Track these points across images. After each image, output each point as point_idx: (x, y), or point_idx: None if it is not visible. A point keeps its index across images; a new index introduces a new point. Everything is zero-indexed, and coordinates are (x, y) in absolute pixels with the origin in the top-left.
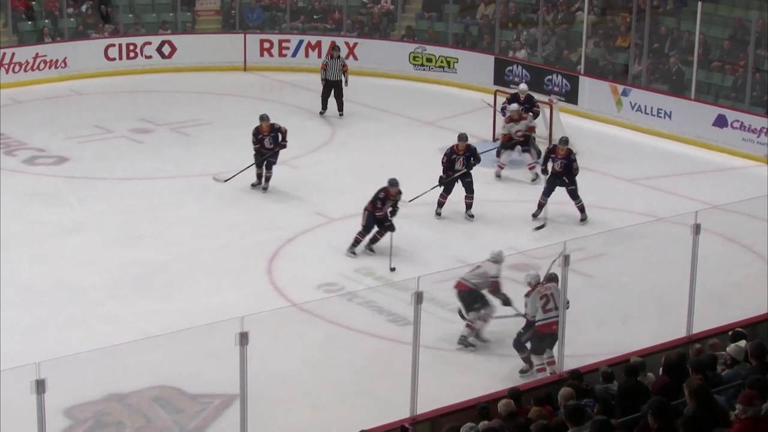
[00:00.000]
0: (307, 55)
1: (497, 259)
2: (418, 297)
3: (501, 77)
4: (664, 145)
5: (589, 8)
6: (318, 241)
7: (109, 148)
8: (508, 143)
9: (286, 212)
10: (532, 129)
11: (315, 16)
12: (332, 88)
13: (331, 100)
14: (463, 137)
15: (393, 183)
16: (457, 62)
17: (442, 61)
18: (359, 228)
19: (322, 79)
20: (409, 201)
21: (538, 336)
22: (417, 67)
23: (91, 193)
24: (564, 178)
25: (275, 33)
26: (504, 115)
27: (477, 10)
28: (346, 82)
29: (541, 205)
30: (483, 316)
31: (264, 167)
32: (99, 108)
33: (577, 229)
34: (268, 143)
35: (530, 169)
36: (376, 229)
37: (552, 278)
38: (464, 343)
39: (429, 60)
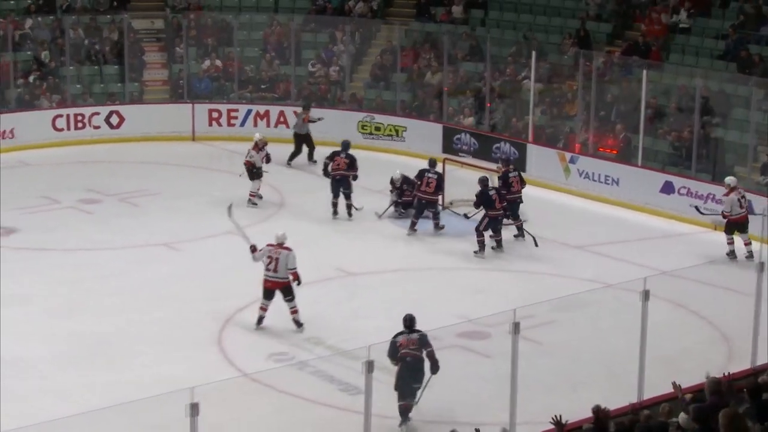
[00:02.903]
0: (255, 125)
1: None
2: (369, 366)
3: (449, 145)
4: (612, 211)
5: (536, 76)
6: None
7: (57, 218)
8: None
9: (237, 280)
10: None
11: (262, 86)
12: (304, 141)
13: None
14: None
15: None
16: (405, 131)
17: (390, 130)
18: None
19: (294, 130)
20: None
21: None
22: (366, 135)
23: (38, 264)
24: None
25: (223, 103)
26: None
27: (424, 79)
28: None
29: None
30: None
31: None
32: (47, 178)
33: (526, 295)
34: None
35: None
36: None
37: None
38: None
39: (377, 128)
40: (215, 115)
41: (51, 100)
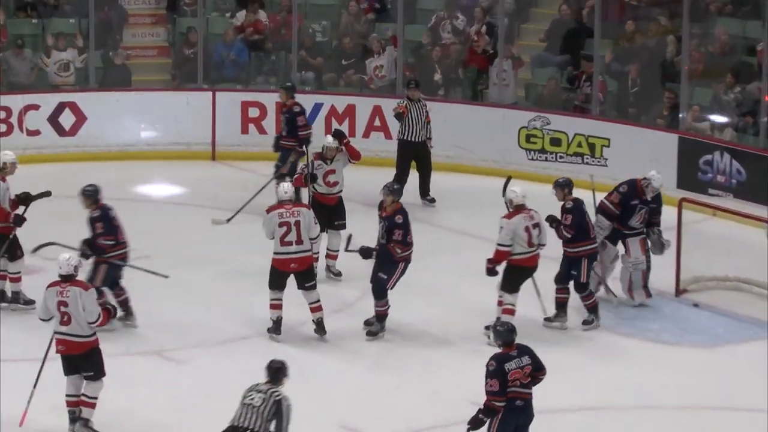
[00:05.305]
0: (328, 129)
1: None
2: None
3: (691, 174)
4: None
5: None
6: None
7: None
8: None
9: (294, 426)
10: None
11: (344, 61)
12: (414, 154)
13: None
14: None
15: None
16: (607, 146)
17: (580, 144)
18: None
19: (400, 136)
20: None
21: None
22: (533, 153)
23: None
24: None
25: (269, 90)
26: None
27: (640, 47)
28: (430, 141)
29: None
30: None
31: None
32: None
33: None
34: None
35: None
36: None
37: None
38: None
39: (555, 142)
40: (254, 112)
41: None
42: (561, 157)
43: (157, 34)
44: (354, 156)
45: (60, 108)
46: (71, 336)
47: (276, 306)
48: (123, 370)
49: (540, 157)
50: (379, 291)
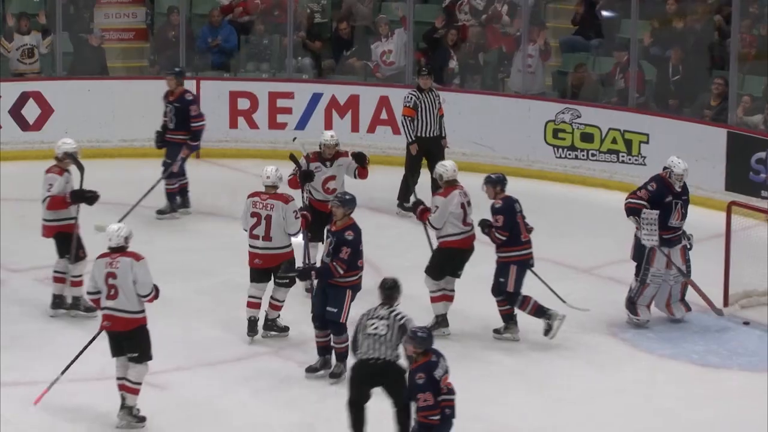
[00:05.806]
0: (329, 125)
1: None
2: None
3: (742, 175)
4: None
5: None
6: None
7: None
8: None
9: None
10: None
11: (346, 52)
12: (425, 150)
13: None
14: None
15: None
16: (646, 142)
17: (615, 141)
18: None
19: (407, 133)
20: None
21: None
22: (562, 151)
23: None
24: None
25: (262, 79)
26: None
27: (684, 24)
28: (444, 141)
29: None
30: None
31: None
32: None
33: None
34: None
35: None
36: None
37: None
38: None
39: (587, 138)
40: (243, 104)
41: None
42: (593, 155)
43: (134, 15)
44: (362, 176)
45: (23, 99)
46: (118, 311)
47: (251, 305)
48: (98, 395)
49: (569, 154)
50: (336, 327)
